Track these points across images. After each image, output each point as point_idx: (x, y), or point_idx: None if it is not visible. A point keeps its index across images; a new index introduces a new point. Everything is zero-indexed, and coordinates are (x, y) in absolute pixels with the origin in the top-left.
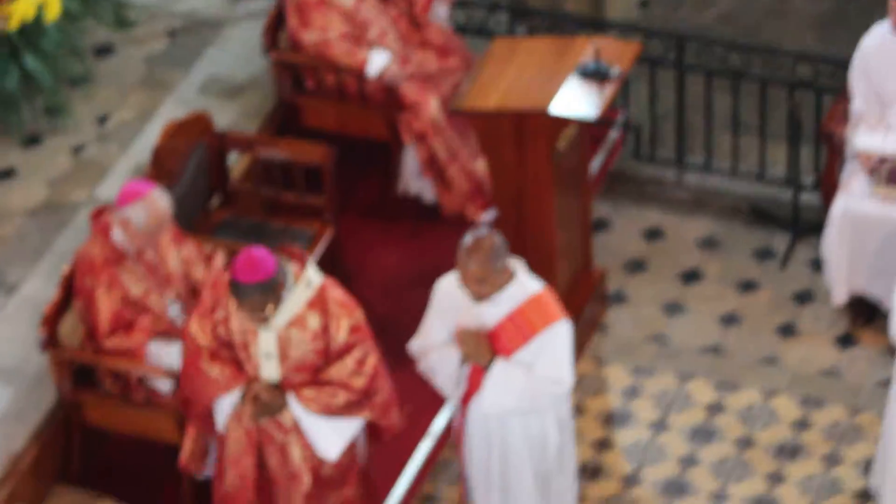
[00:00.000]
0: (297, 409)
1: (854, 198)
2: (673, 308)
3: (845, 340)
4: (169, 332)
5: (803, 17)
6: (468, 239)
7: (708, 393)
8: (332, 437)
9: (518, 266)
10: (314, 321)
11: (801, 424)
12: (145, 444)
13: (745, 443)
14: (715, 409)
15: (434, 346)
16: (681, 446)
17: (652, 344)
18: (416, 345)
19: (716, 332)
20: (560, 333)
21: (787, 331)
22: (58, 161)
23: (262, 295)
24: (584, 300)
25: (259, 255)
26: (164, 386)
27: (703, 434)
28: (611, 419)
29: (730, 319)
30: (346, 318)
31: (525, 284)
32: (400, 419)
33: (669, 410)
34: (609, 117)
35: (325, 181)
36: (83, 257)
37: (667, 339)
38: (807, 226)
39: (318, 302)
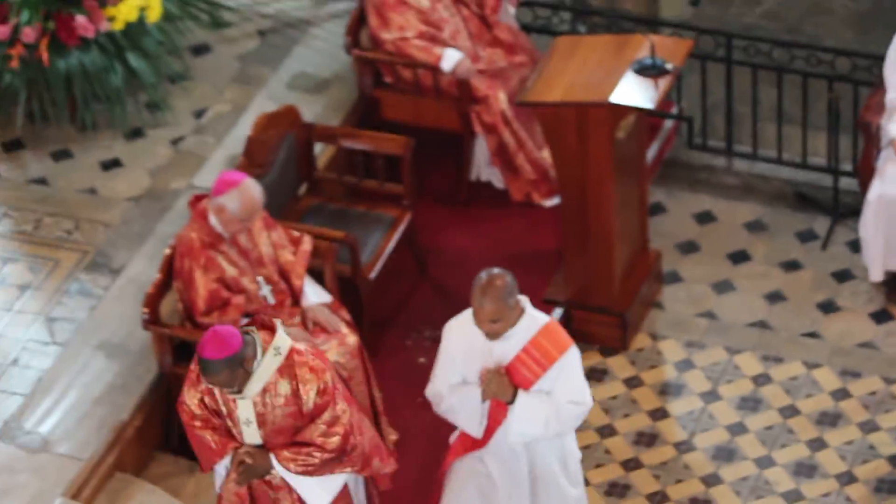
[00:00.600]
0: (280, 470)
1: (888, 183)
2: (723, 286)
3: (881, 315)
4: (260, 311)
5: (843, 14)
6: (480, 279)
7: (755, 365)
8: (318, 491)
9: (524, 300)
10: (284, 387)
11: (841, 394)
12: None
13: (789, 411)
14: (761, 380)
15: (450, 388)
16: (730, 415)
17: (703, 320)
18: (432, 390)
19: (762, 309)
20: (574, 358)
21: (828, 307)
22: (159, 152)
23: (228, 370)
24: (641, 279)
25: (225, 331)
26: None
27: (750, 403)
28: (666, 390)
29: (775, 297)
30: (314, 383)
31: (535, 317)
32: (386, 465)
33: (719, 382)
34: (664, 109)
35: (404, 169)
36: (182, 241)
37: (717, 315)
38: (846, 209)
39: (287, 368)
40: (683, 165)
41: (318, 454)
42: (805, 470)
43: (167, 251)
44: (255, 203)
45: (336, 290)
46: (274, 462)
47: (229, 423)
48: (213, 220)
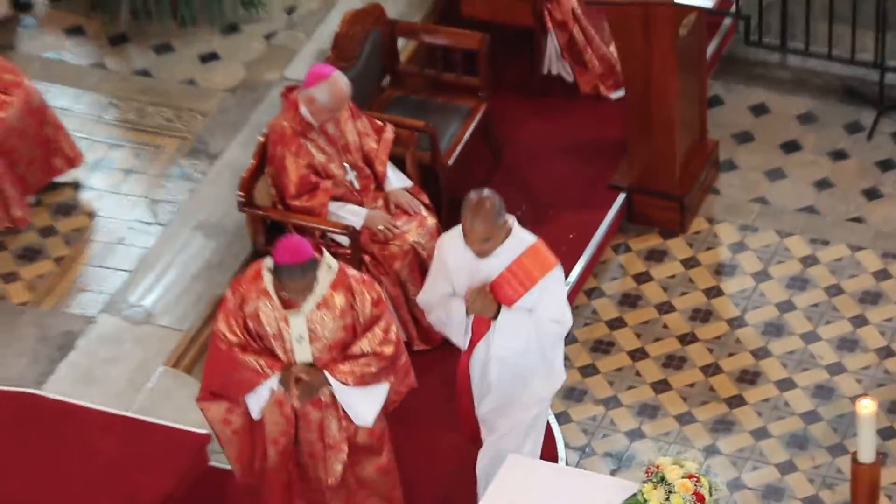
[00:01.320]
0: (334, 384)
1: None
2: (775, 174)
3: None
4: (346, 195)
5: None
6: (471, 200)
7: (803, 247)
8: (367, 404)
9: (512, 220)
10: (339, 300)
11: (882, 274)
12: None
13: (834, 290)
14: (809, 261)
15: (440, 299)
16: (779, 293)
17: (756, 205)
18: (423, 299)
19: (811, 195)
20: (557, 278)
21: (872, 194)
22: (253, 46)
23: (304, 275)
24: (700, 167)
25: (297, 240)
26: (343, 239)
27: (798, 283)
28: (720, 270)
29: (823, 184)
30: (369, 293)
31: (521, 237)
32: (414, 381)
33: (770, 262)
34: (723, 7)
35: (480, 63)
36: (275, 129)
37: (769, 200)
38: (891, 102)
39: (341, 282)
40: (740, 61)
41: (375, 363)
42: (847, 344)
43: (260, 138)
44: (343, 94)
45: (416, 175)
46: (329, 378)
47: (274, 344)
48: (303, 109)
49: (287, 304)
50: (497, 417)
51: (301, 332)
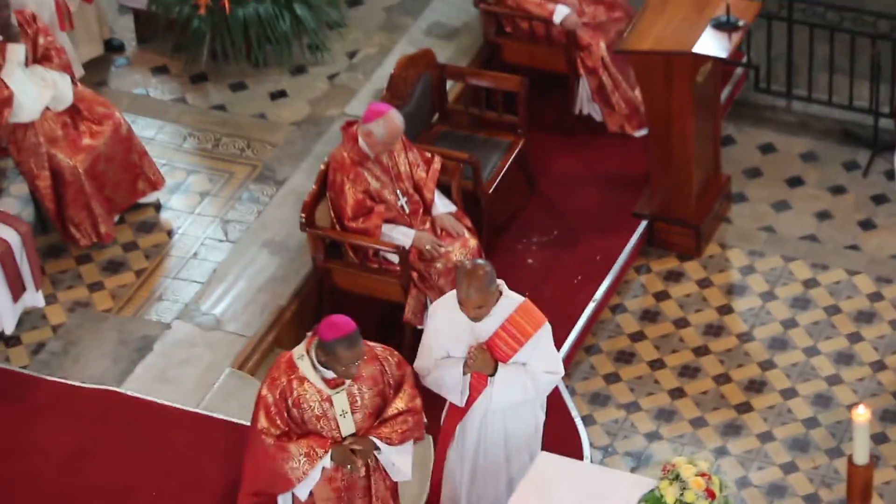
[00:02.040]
0: (382, 447)
1: None
2: (780, 206)
3: None
4: (397, 218)
5: None
6: (464, 269)
7: (805, 271)
8: (405, 460)
9: (501, 283)
10: (370, 369)
11: (876, 296)
12: (377, 302)
13: (833, 310)
14: (810, 283)
15: (436, 362)
16: (784, 311)
17: (764, 233)
18: (419, 365)
19: (812, 225)
20: (547, 333)
21: (867, 225)
22: (317, 86)
23: (355, 344)
24: (714, 199)
25: (337, 316)
26: (393, 257)
27: (801, 302)
28: (731, 290)
29: (823, 215)
30: (392, 358)
31: (511, 297)
32: (423, 434)
33: (776, 284)
34: (735, 58)
35: (519, 103)
36: (335, 158)
37: (775, 229)
38: (883, 144)
39: (368, 352)
40: (750, 105)
41: (410, 418)
42: (844, 358)
43: (322, 167)
44: (397, 129)
45: (460, 201)
46: (377, 442)
47: (318, 425)
48: (361, 142)
49: (330, 385)
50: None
51: (344, 407)
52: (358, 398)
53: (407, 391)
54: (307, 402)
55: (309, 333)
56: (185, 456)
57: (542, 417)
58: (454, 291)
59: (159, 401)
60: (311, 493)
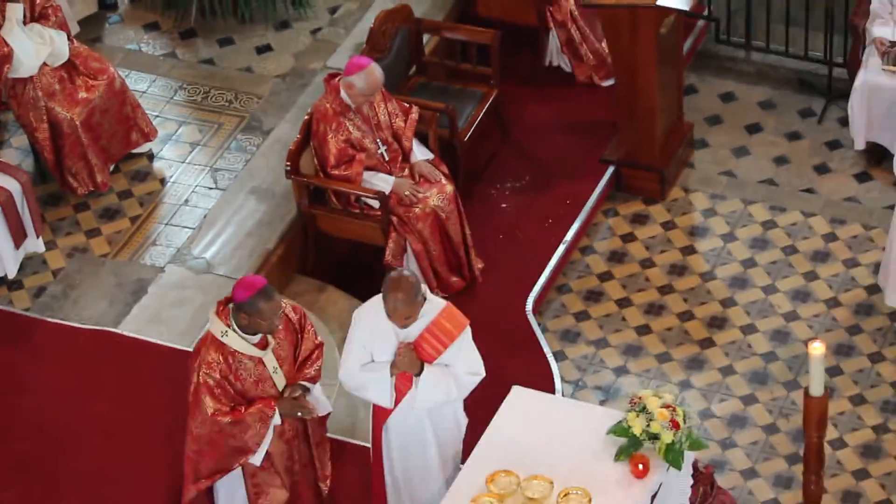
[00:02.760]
0: (311, 387)
1: (871, 73)
2: (740, 151)
3: (863, 176)
4: (378, 165)
5: None
6: (391, 280)
7: (764, 213)
8: (323, 392)
9: (425, 288)
10: (279, 323)
11: (830, 237)
12: (359, 245)
13: (790, 250)
14: (768, 225)
15: (361, 367)
16: (743, 252)
17: (724, 177)
18: (344, 374)
19: (770, 169)
20: (468, 335)
21: (822, 169)
22: (301, 40)
23: (272, 296)
24: (677, 145)
25: (246, 277)
26: (374, 203)
27: (759, 243)
28: (694, 232)
29: (780, 160)
30: (287, 304)
31: (434, 301)
32: None
33: (736, 226)
34: (697, 11)
35: (492, 55)
36: (318, 109)
37: (735, 173)
38: (837, 93)
39: None
40: (711, 56)
41: (320, 352)
42: (801, 296)
43: (306, 117)
44: (377, 81)
45: (437, 149)
46: (307, 385)
47: (256, 390)
48: (343, 94)
49: (259, 346)
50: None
51: (274, 363)
52: (281, 352)
53: (309, 330)
54: (244, 371)
55: (214, 314)
56: (179, 392)
57: (464, 421)
58: (378, 297)
59: (154, 340)
60: (267, 454)
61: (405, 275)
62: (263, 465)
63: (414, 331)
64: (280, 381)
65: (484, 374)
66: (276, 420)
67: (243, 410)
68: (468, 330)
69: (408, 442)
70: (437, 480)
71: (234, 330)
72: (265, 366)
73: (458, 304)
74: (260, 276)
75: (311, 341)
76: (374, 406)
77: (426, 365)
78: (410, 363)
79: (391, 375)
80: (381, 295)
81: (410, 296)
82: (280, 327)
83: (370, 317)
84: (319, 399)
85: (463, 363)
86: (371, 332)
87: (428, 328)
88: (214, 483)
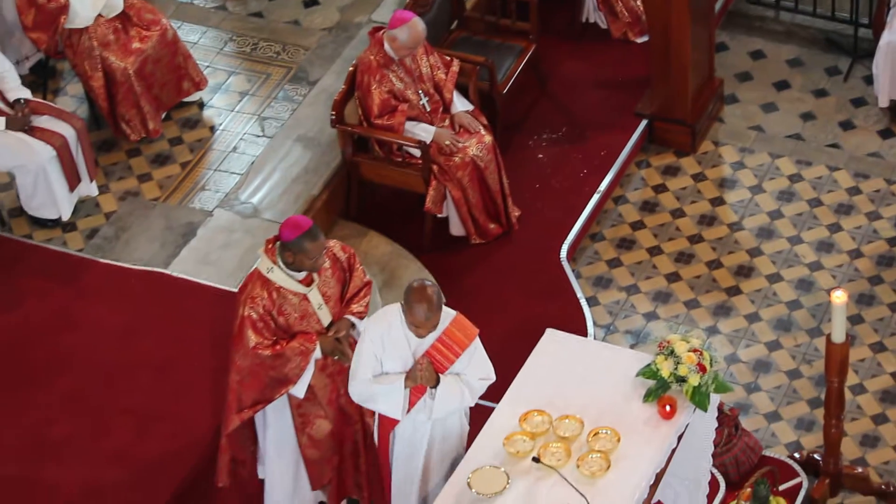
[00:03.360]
0: (356, 322)
1: (895, 34)
2: (768, 107)
3: (886, 133)
4: (419, 116)
5: None
6: (416, 291)
7: (790, 167)
8: None
9: None
10: (325, 261)
11: (854, 190)
12: (400, 192)
13: (815, 202)
14: (795, 178)
15: (372, 379)
16: (770, 203)
17: (753, 132)
18: (355, 386)
19: (797, 125)
20: (478, 343)
21: (847, 125)
22: None
23: (318, 236)
24: (708, 100)
25: (293, 217)
26: (415, 152)
27: (786, 196)
28: (723, 183)
29: (807, 116)
30: (335, 245)
31: (446, 311)
32: None
33: (764, 178)
34: None
35: (531, 11)
36: (363, 61)
37: (764, 128)
38: (863, 52)
39: None
40: (742, 15)
41: (368, 290)
42: (825, 247)
43: (351, 69)
44: (420, 35)
45: (477, 101)
46: (352, 319)
47: (301, 325)
48: (387, 46)
49: (304, 283)
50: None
51: (319, 300)
52: (326, 289)
53: (358, 269)
54: (288, 307)
55: (262, 250)
56: (225, 332)
57: (467, 428)
58: (389, 307)
59: (202, 281)
60: (309, 387)
61: (426, 284)
62: (307, 397)
63: (426, 342)
64: (325, 317)
65: (494, 378)
66: (317, 354)
67: (284, 344)
68: (478, 339)
69: (414, 450)
70: (437, 485)
71: (279, 267)
72: (310, 302)
73: (495, 250)
74: (305, 217)
75: (359, 279)
76: (380, 415)
77: (441, 376)
78: (430, 377)
79: (405, 388)
80: (391, 306)
81: (433, 304)
82: (327, 266)
83: (382, 327)
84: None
85: (475, 370)
86: (382, 343)
87: (440, 339)
88: (257, 413)
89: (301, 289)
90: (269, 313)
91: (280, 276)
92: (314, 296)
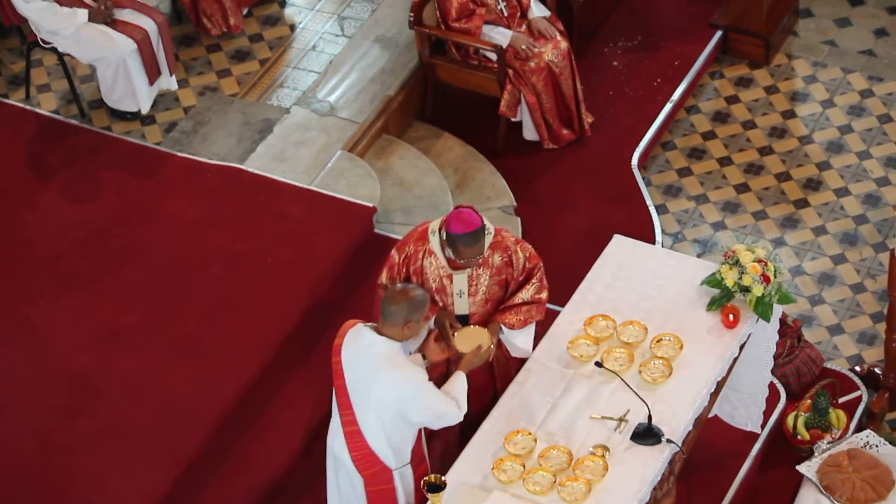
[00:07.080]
0: (505, 330)
1: None
2: (842, 21)
3: None
4: (496, 20)
5: None
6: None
7: (862, 82)
8: (526, 340)
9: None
10: (496, 259)
11: None
12: (476, 95)
13: (885, 118)
14: (866, 93)
15: (442, 393)
16: (841, 118)
17: (826, 46)
18: (450, 410)
19: (870, 41)
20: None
21: None
22: None
23: (477, 241)
24: (783, 13)
25: (467, 212)
26: (491, 55)
27: (856, 110)
28: (795, 97)
29: (880, 32)
30: (522, 252)
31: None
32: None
33: (835, 93)
34: None
35: None
36: None
37: (837, 43)
38: None
39: (498, 244)
40: None
41: (535, 309)
42: (893, 163)
43: None
44: None
45: (554, 7)
46: (501, 327)
47: (436, 297)
48: None
49: (453, 266)
50: None
51: (462, 287)
52: (476, 283)
53: (535, 284)
54: (428, 273)
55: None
56: (298, 228)
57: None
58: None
59: (277, 177)
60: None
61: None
62: None
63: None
64: (461, 306)
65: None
66: (430, 323)
67: None
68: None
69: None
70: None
71: (441, 237)
72: (452, 283)
73: (568, 156)
74: (475, 214)
75: (529, 294)
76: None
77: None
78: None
79: (462, 372)
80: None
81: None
82: (497, 264)
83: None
84: (515, 343)
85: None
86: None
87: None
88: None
89: (448, 267)
90: (406, 265)
91: (436, 244)
92: (459, 280)
